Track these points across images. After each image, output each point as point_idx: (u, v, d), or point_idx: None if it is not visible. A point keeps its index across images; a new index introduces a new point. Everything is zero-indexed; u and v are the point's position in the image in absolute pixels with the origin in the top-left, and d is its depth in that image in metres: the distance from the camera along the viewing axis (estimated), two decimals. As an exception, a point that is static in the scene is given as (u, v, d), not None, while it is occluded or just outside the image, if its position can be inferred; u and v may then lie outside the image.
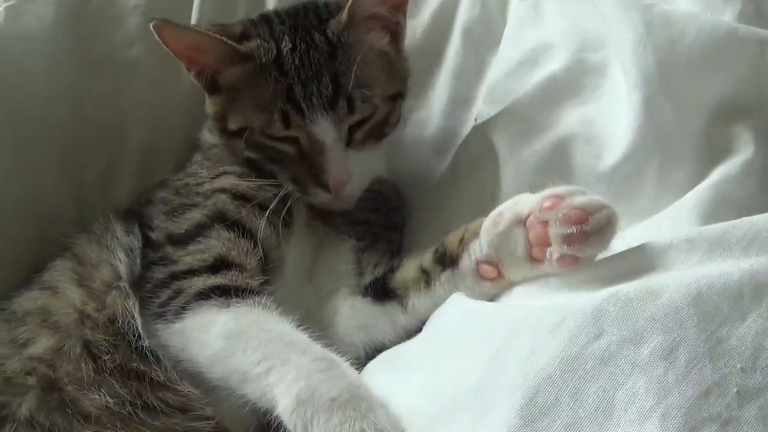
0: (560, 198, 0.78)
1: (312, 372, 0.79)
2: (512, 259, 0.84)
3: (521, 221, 0.82)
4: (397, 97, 1.09)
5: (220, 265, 0.95)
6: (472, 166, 1.14)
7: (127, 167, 1.28)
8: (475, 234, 0.88)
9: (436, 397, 0.74)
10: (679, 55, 0.97)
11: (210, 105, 1.10)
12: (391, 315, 0.97)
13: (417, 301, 0.95)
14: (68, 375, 0.87)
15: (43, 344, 0.90)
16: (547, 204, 0.78)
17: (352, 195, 1.07)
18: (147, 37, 1.23)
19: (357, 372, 0.84)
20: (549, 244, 0.78)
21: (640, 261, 0.75)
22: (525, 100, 1.11)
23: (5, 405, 0.86)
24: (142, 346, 0.89)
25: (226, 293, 0.90)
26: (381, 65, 1.06)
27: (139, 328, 0.90)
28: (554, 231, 0.77)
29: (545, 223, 0.78)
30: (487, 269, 0.87)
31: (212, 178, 1.07)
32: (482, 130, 1.13)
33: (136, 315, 0.91)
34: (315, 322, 0.94)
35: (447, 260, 0.92)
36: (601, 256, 0.79)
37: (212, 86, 1.07)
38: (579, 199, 0.77)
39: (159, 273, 0.96)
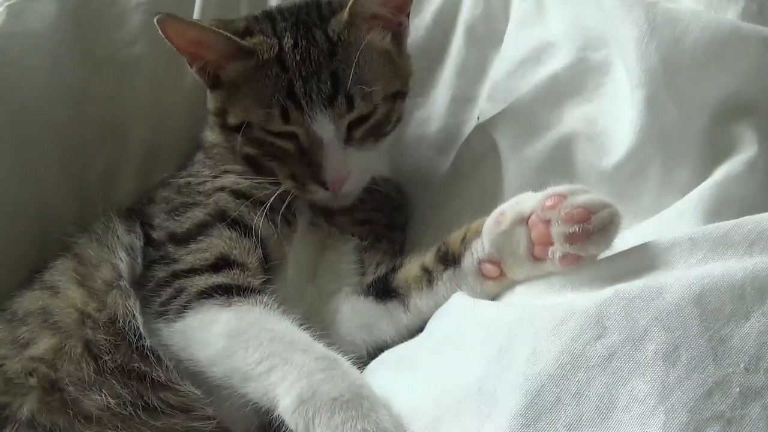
0: (562, 197, 0.78)
1: (314, 371, 0.79)
2: (514, 258, 0.84)
3: (523, 220, 0.82)
4: (398, 96, 1.09)
5: (221, 264, 0.95)
6: (475, 164, 1.14)
7: (128, 166, 1.28)
8: (478, 233, 0.88)
9: (438, 397, 0.74)
10: (682, 53, 0.97)
11: (211, 100, 1.10)
12: (393, 314, 0.97)
13: (419, 300, 0.94)
14: (69, 375, 0.87)
15: (44, 344, 0.90)
16: (549, 203, 0.78)
17: (350, 193, 1.07)
18: (149, 36, 1.24)
19: (359, 371, 0.84)
20: (551, 243, 0.78)
21: (642, 260, 0.75)
22: (527, 98, 1.11)
23: (6, 406, 0.86)
24: (143, 346, 0.89)
25: (227, 292, 0.90)
26: (382, 64, 1.06)
27: (140, 327, 0.90)
28: (556, 230, 0.77)
29: (547, 222, 0.78)
30: (489, 268, 0.87)
31: (214, 176, 1.07)
32: (485, 129, 1.14)
33: (137, 314, 0.91)
34: (317, 321, 0.94)
35: (449, 259, 0.92)
36: (603, 255, 0.78)
37: (214, 82, 1.07)
38: (581, 198, 0.77)
39: (160, 272, 0.96)
